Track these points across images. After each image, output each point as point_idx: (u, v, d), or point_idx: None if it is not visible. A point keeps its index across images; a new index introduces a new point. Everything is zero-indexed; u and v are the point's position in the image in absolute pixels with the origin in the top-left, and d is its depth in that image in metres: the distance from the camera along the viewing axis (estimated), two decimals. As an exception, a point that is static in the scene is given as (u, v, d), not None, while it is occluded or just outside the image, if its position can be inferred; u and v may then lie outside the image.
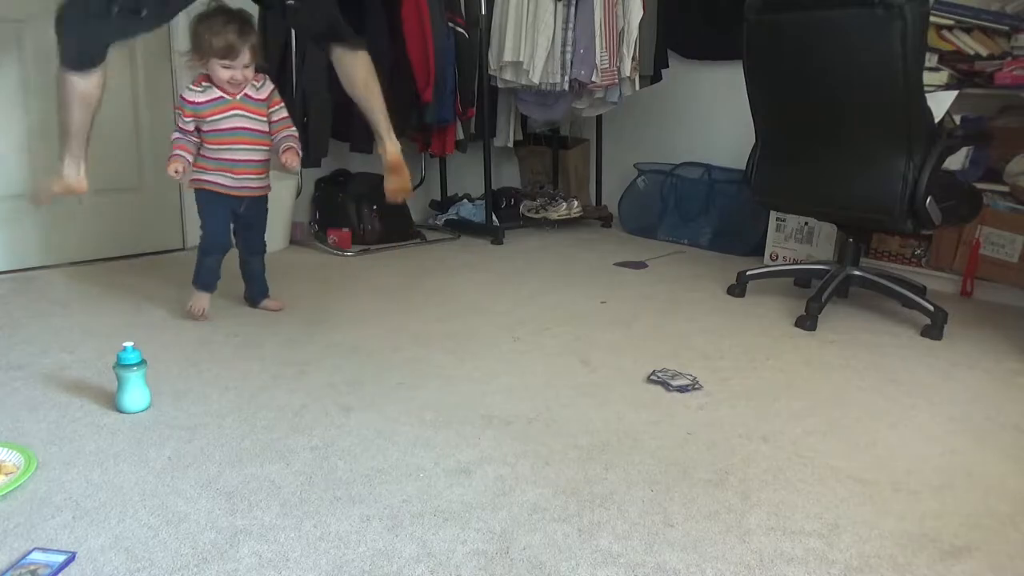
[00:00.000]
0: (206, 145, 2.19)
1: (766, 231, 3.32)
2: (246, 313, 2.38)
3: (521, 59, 3.40)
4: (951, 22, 2.78)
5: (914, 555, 1.23)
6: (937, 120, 2.32)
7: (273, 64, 3.24)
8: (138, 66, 2.97)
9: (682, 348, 2.18)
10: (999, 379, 2.04)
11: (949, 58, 2.81)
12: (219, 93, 2.15)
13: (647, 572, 1.17)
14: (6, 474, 1.38)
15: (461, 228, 3.76)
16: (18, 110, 2.74)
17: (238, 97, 2.17)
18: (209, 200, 2.24)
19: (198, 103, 2.15)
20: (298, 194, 3.35)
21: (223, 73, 2.12)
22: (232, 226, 2.33)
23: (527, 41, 3.39)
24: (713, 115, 3.77)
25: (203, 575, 1.14)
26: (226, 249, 2.32)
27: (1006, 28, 2.73)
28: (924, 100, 2.22)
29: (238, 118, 2.18)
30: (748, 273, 2.78)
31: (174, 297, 2.50)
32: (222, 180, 2.22)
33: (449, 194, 4.05)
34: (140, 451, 1.50)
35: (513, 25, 3.41)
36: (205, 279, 2.31)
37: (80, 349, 2.04)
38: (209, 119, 2.16)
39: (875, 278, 2.53)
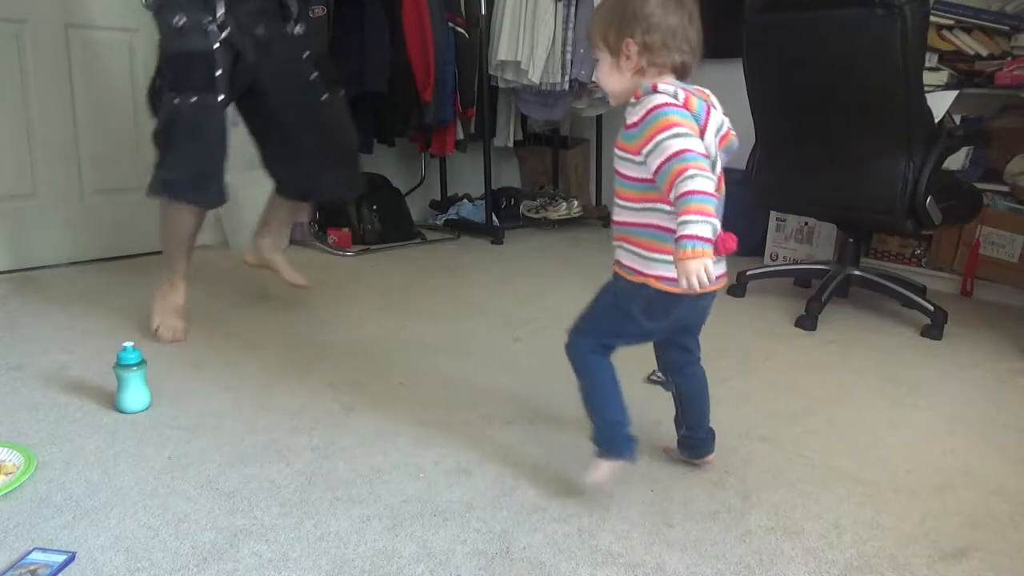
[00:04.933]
0: None
1: (766, 231, 3.32)
2: (246, 313, 2.38)
3: (518, 58, 3.40)
4: (951, 22, 2.78)
5: (914, 555, 1.23)
6: (937, 120, 2.32)
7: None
8: (138, 66, 2.97)
9: (682, 348, 2.18)
10: (999, 379, 2.04)
11: (949, 58, 2.81)
12: None
13: (647, 572, 1.17)
14: (6, 474, 1.38)
15: (461, 228, 3.76)
16: (18, 110, 2.74)
17: None
18: None
19: None
20: (298, 194, 3.34)
21: None
22: None
23: (525, 40, 3.39)
24: (713, 115, 3.76)
25: (203, 575, 1.14)
26: None
27: (1006, 28, 2.73)
28: (924, 100, 2.22)
29: None
30: (748, 273, 2.78)
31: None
32: None
33: (449, 194, 4.05)
34: (140, 451, 1.50)
35: (509, 24, 3.41)
36: None
37: (80, 349, 2.03)
38: None
39: (875, 278, 2.53)
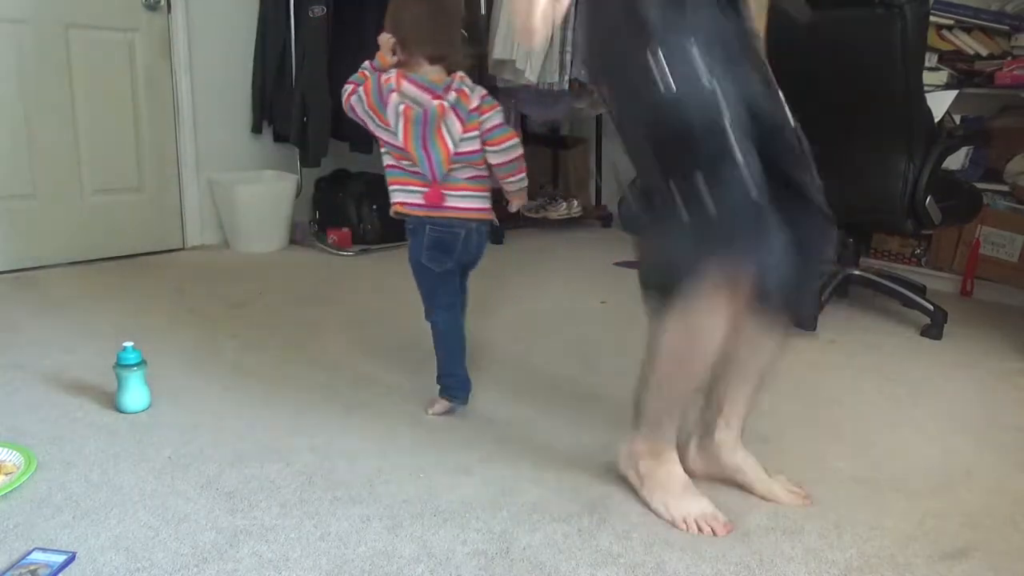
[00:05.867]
0: None
1: (766, 231, 3.31)
2: (246, 313, 2.38)
3: (513, 57, 3.40)
4: (951, 22, 2.78)
5: (914, 555, 1.23)
6: (937, 120, 2.32)
7: (272, 65, 3.25)
8: (138, 66, 2.97)
9: (682, 348, 2.18)
10: (999, 379, 2.04)
11: (949, 58, 2.81)
12: None
13: (647, 572, 1.17)
14: (6, 474, 1.38)
15: (461, 228, 3.75)
16: (18, 110, 2.74)
17: None
18: None
19: None
20: (298, 194, 3.34)
21: None
22: None
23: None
24: (713, 115, 3.76)
25: (203, 575, 1.14)
26: None
27: (1006, 28, 2.73)
28: (924, 100, 2.22)
29: None
30: (748, 273, 2.77)
31: (174, 297, 2.50)
32: None
33: (449, 194, 4.05)
34: (140, 451, 1.50)
35: (505, 23, 3.41)
36: None
37: (80, 349, 2.03)
38: None
39: (875, 278, 2.53)
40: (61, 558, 1.15)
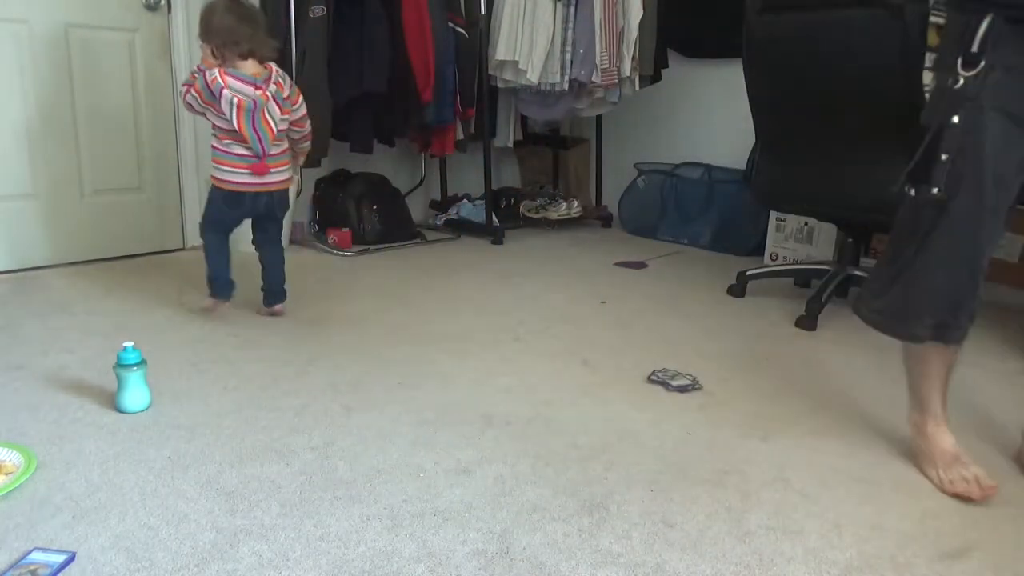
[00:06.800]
0: None
1: (766, 231, 3.32)
2: (246, 313, 2.38)
3: (516, 58, 3.40)
4: (951, 22, 2.77)
5: (914, 555, 1.23)
6: (937, 120, 2.32)
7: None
8: (138, 66, 2.97)
9: (682, 348, 2.18)
10: (1000, 379, 2.04)
11: (949, 58, 2.80)
12: None
13: (647, 572, 1.17)
14: (6, 474, 1.38)
15: (461, 228, 3.76)
16: (18, 110, 2.74)
17: None
18: None
19: None
20: (298, 194, 3.34)
21: None
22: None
23: (523, 40, 3.39)
24: (713, 115, 3.77)
25: (203, 575, 1.14)
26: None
27: (1006, 28, 2.73)
28: (924, 100, 2.21)
29: None
30: (748, 273, 2.78)
31: (174, 297, 2.50)
32: None
33: (449, 194, 4.05)
34: (140, 451, 1.50)
35: (507, 24, 3.41)
36: None
37: (80, 349, 2.04)
38: None
39: (875, 278, 2.53)
40: (61, 558, 1.15)
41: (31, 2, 2.71)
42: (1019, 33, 1.32)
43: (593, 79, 3.37)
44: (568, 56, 3.39)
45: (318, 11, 3.06)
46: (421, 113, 3.36)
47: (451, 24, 3.45)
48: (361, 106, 3.30)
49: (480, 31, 3.49)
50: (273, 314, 2.33)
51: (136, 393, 1.67)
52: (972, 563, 1.22)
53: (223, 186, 2.14)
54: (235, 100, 2.01)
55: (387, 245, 3.41)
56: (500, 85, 3.59)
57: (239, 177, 2.12)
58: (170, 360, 1.95)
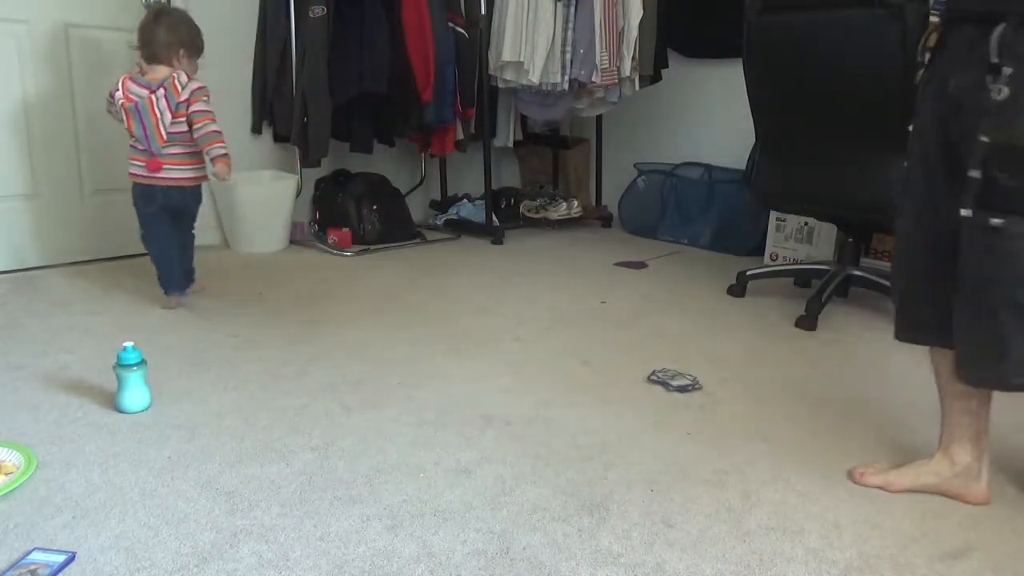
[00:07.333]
0: None
1: (766, 231, 3.32)
2: (246, 313, 2.38)
3: (521, 59, 3.40)
4: (951, 22, 2.77)
5: (914, 555, 1.23)
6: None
7: (272, 66, 3.25)
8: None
9: (682, 348, 2.18)
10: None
11: (949, 58, 2.80)
12: None
13: (647, 572, 1.17)
14: (6, 474, 1.38)
15: (461, 228, 3.76)
16: (18, 110, 2.74)
17: None
18: None
19: None
20: (298, 194, 3.35)
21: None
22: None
23: (527, 41, 3.39)
24: (713, 115, 3.77)
25: (203, 575, 1.14)
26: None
27: (1006, 28, 2.73)
28: (924, 100, 2.22)
29: None
30: (748, 273, 2.78)
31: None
32: None
33: (449, 194, 4.05)
34: (140, 451, 1.50)
35: (512, 25, 3.41)
36: None
37: (80, 349, 2.04)
38: None
39: (875, 278, 2.53)
40: (61, 558, 1.15)
41: (31, 2, 2.71)
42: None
43: (593, 79, 3.37)
44: (568, 56, 3.38)
45: (318, 11, 3.06)
46: (421, 113, 3.37)
47: (451, 24, 3.45)
48: (361, 106, 3.30)
49: (480, 31, 3.49)
50: (183, 296, 2.44)
51: (136, 393, 1.67)
52: (972, 563, 1.22)
53: (130, 179, 2.36)
54: (122, 102, 2.25)
55: (387, 245, 3.41)
56: (500, 85, 3.59)
57: (136, 170, 2.33)
58: (170, 360, 1.95)
